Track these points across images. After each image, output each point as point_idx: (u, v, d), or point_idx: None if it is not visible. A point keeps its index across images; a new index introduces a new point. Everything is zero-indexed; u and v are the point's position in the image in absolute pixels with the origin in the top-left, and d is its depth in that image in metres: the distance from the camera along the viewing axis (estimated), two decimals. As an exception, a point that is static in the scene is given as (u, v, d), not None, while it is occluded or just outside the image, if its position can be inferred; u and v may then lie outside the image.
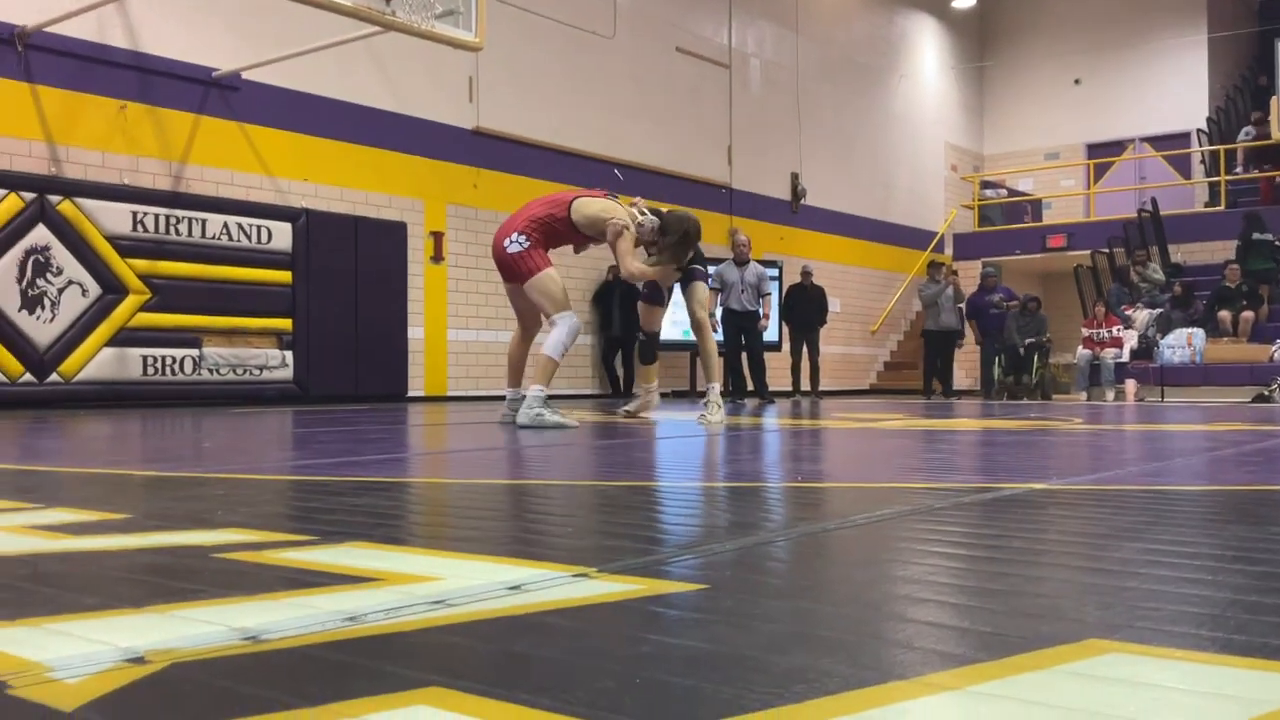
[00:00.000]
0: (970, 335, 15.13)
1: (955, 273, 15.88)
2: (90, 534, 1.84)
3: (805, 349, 14.04)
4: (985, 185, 20.65)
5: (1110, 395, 13.91)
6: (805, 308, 13.91)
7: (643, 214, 5.93)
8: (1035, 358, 14.46)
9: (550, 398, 5.65)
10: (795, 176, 16.74)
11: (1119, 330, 14.43)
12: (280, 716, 0.83)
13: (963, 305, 15.08)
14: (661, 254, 5.95)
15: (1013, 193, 20.93)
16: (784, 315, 14.12)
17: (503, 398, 6.26)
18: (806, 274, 14.07)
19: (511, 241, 5.63)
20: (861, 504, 2.42)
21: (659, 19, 14.35)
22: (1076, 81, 20.84)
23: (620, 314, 12.83)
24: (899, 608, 1.28)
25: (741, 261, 11.52)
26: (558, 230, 5.74)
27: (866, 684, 0.92)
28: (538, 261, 5.59)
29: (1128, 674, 0.96)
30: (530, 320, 6.05)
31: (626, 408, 7.01)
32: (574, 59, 13.08)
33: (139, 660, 0.99)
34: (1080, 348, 14.60)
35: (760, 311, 11.75)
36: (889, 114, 19.10)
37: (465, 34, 8.74)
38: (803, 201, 16.80)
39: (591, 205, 5.76)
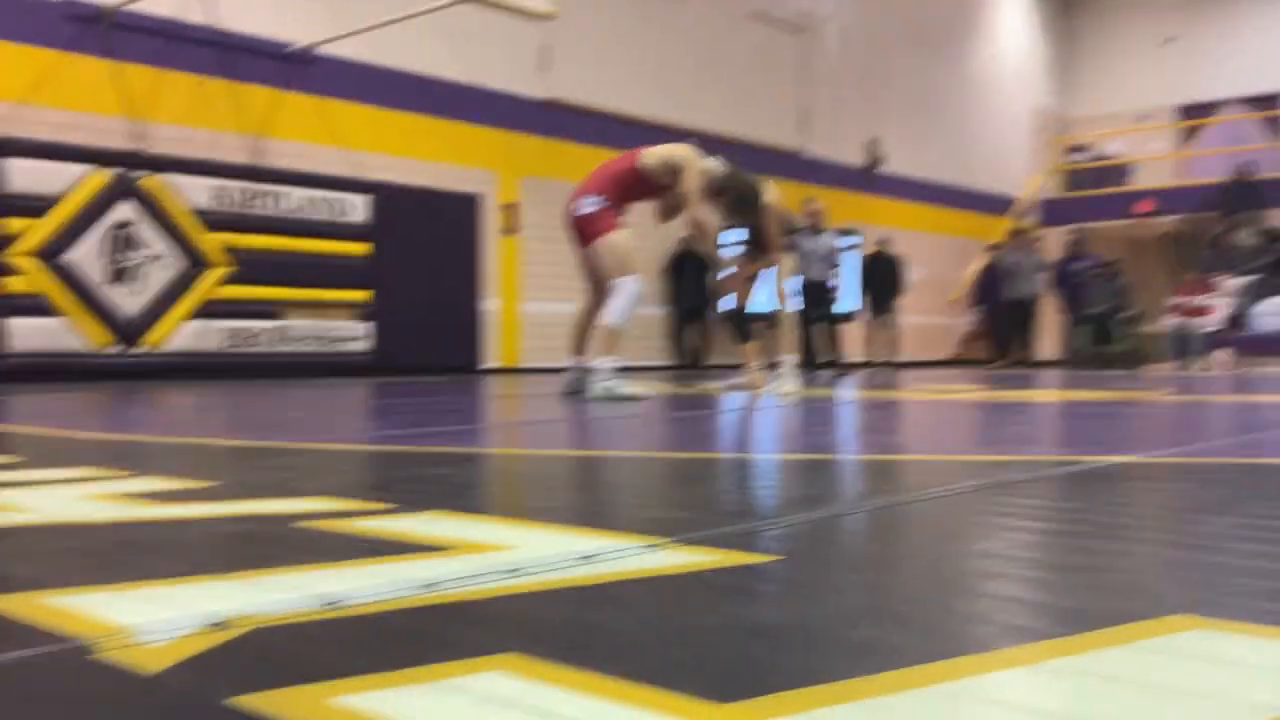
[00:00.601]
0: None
1: (1039, 239, 15.56)
2: (177, 502, 1.89)
3: (883, 319, 13.88)
4: (1072, 149, 20.12)
5: (1201, 365, 13.53)
6: (883, 277, 13.75)
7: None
8: (1121, 326, 14.11)
9: (621, 369, 5.66)
10: (873, 142, 16.49)
11: (1210, 298, 14.01)
12: (360, 680, 0.85)
13: (1047, 272, 14.79)
14: (729, 217, 5.97)
15: (1100, 156, 20.36)
16: (861, 285, 13.97)
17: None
18: (884, 242, 13.89)
19: (588, 201, 5.62)
20: (938, 477, 2.39)
21: (732, -15, 14.20)
22: (1168, 40, 20.14)
23: (694, 285, 12.79)
24: (974, 582, 1.26)
25: (815, 231, 11.41)
26: (631, 184, 5.70)
27: (940, 657, 0.91)
28: (609, 221, 5.58)
29: (1210, 650, 0.94)
30: (602, 289, 5.97)
31: (730, 381, 6.88)
32: (646, 27, 13.01)
33: (223, 625, 1.01)
34: (1170, 316, 14.21)
35: (833, 282, 11.65)
36: (970, 77, 18.69)
37: (538, 4, 8.74)
38: (880, 168, 16.55)
39: (658, 149, 5.71)
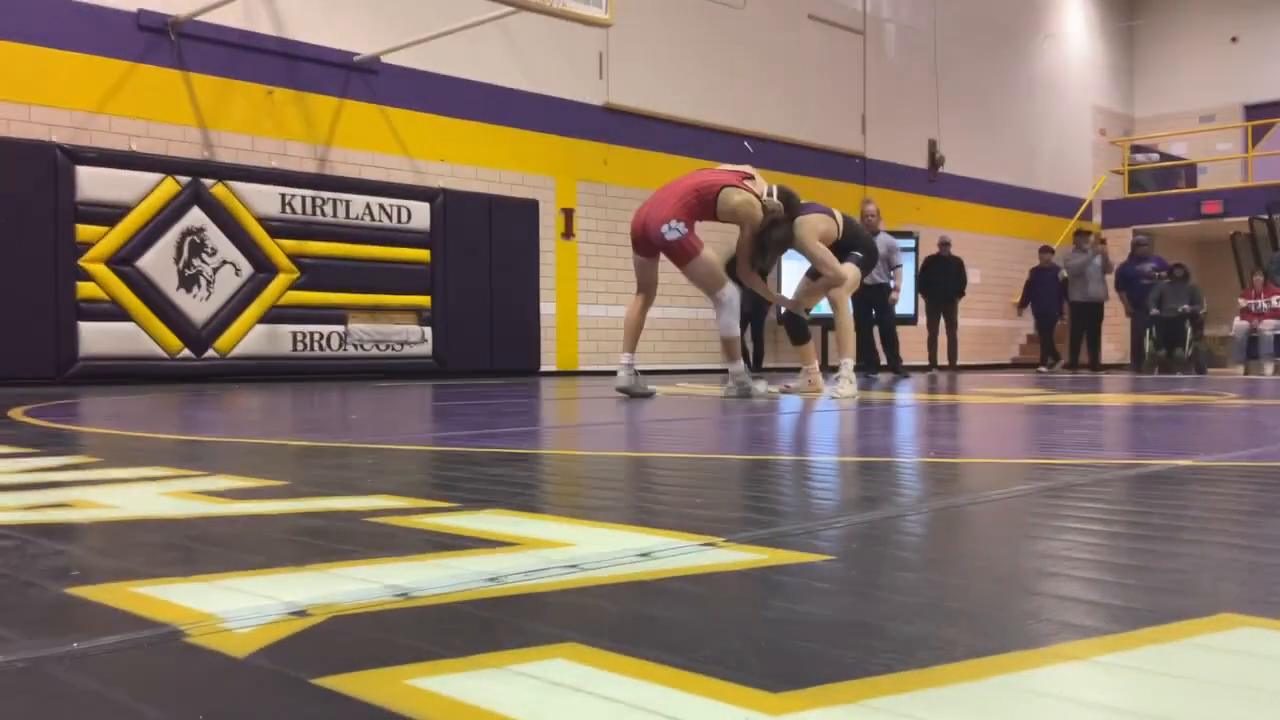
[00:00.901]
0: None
1: (1103, 241, 15.33)
2: (251, 499, 1.96)
3: (943, 322, 13.76)
4: (1136, 150, 19.77)
5: (1269, 369, 13.22)
6: (943, 279, 13.62)
7: (770, 194, 6.24)
8: (1188, 329, 13.84)
9: (660, 372, 5.94)
10: (933, 144, 16.34)
11: (1279, 301, 13.69)
12: (432, 665, 0.90)
13: (1112, 275, 14.57)
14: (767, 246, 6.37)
15: (1165, 157, 19.98)
16: (921, 287, 13.86)
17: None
18: (944, 244, 13.77)
19: (670, 229, 5.94)
20: (997, 480, 2.39)
21: (790, -13, 14.17)
22: (1233, 39, 19.72)
23: (748, 289, 12.77)
24: (1029, 581, 1.28)
25: (871, 232, 11.34)
26: (706, 212, 6.13)
27: (993, 653, 0.93)
28: (696, 244, 5.99)
29: (1260, 648, 0.95)
30: (651, 290, 6.43)
31: (788, 384, 6.99)
32: (704, 31, 13.04)
33: (301, 613, 1.07)
34: (1237, 319, 13.91)
35: (891, 284, 11.57)
36: (1033, 77, 18.45)
37: (596, 11, 8.81)
38: (941, 169, 16.40)
39: (735, 196, 6.06)
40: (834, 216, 6.53)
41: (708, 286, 6.13)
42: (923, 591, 1.21)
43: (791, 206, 6.24)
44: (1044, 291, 14.92)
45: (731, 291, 6.12)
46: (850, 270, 6.55)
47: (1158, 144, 20.20)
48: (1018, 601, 1.17)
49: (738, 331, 6.28)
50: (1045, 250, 15.24)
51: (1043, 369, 14.73)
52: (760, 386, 6.26)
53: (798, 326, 6.95)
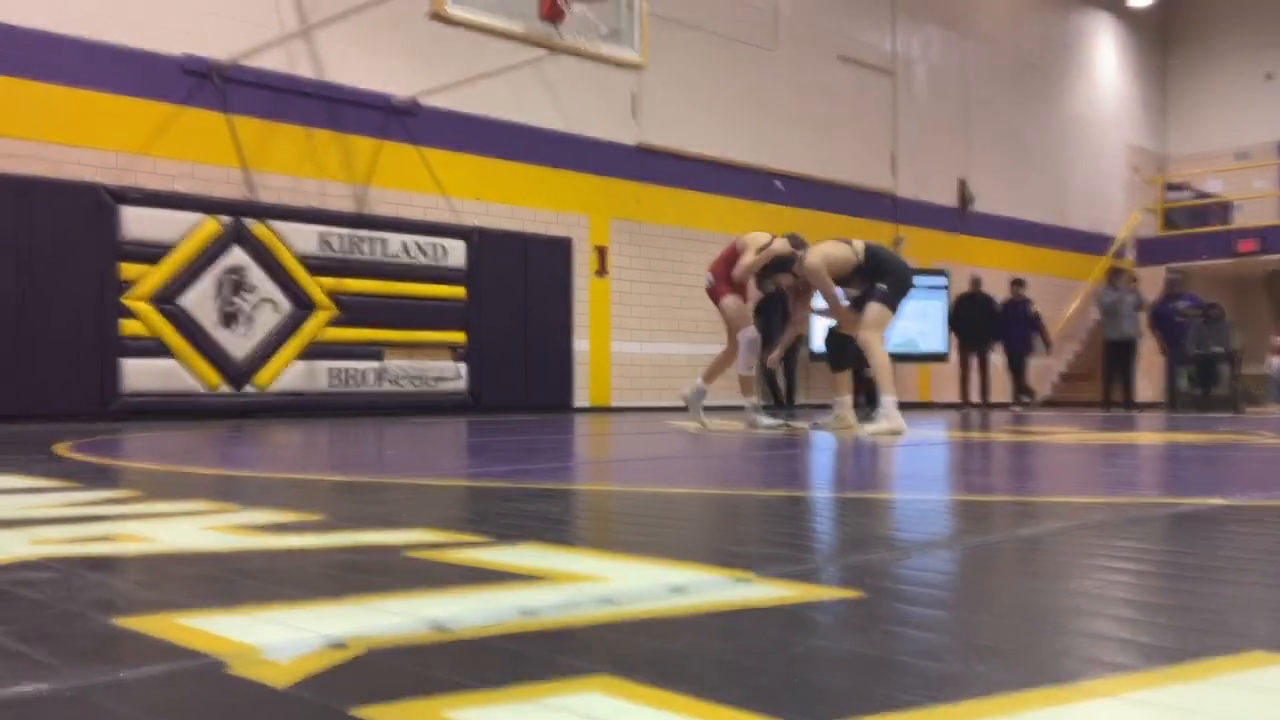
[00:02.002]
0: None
1: (1135, 279, 15.20)
2: (289, 533, 1.99)
3: (975, 360, 13.67)
4: (1169, 187, 19.64)
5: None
6: (974, 317, 13.55)
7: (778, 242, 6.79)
8: (1224, 368, 13.66)
9: (711, 408, 6.53)
10: (963, 182, 16.33)
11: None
12: (468, 696, 0.92)
13: (1145, 313, 14.41)
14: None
15: (1199, 195, 19.85)
16: (952, 325, 13.78)
17: (663, 409, 6.71)
18: (976, 283, 13.71)
19: (709, 279, 7.06)
20: (1028, 518, 2.38)
21: (820, 29, 14.26)
22: (1268, 76, 19.61)
23: (779, 325, 12.77)
24: (1060, 619, 1.28)
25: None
26: (731, 271, 6.95)
27: (1022, 689, 0.94)
28: (721, 290, 6.94)
29: (1291, 687, 0.95)
30: (732, 338, 7.07)
31: (818, 420, 7.00)
32: (735, 72, 13.14)
33: (340, 645, 1.09)
34: (1273, 357, 13.73)
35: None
36: (1064, 115, 18.42)
37: (629, 53, 8.91)
38: (971, 208, 16.37)
39: (744, 236, 6.95)
40: (850, 245, 6.50)
41: (730, 325, 6.96)
42: (954, 628, 1.22)
43: (797, 243, 6.72)
44: (1014, 327, 14.12)
45: (748, 335, 6.79)
46: (870, 312, 6.45)
47: (1191, 181, 20.06)
48: (1049, 639, 1.18)
49: (751, 371, 6.89)
50: (1016, 283, 14.47)
51: (1016, 407, 14.24)
52: (765, 421, 6.78)
53: (837, 352, 6.94)
